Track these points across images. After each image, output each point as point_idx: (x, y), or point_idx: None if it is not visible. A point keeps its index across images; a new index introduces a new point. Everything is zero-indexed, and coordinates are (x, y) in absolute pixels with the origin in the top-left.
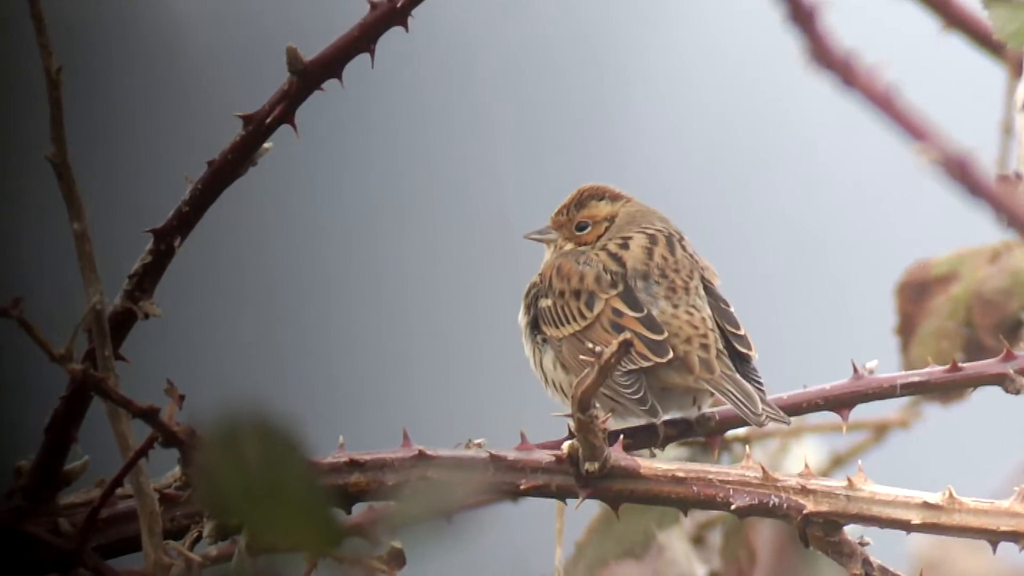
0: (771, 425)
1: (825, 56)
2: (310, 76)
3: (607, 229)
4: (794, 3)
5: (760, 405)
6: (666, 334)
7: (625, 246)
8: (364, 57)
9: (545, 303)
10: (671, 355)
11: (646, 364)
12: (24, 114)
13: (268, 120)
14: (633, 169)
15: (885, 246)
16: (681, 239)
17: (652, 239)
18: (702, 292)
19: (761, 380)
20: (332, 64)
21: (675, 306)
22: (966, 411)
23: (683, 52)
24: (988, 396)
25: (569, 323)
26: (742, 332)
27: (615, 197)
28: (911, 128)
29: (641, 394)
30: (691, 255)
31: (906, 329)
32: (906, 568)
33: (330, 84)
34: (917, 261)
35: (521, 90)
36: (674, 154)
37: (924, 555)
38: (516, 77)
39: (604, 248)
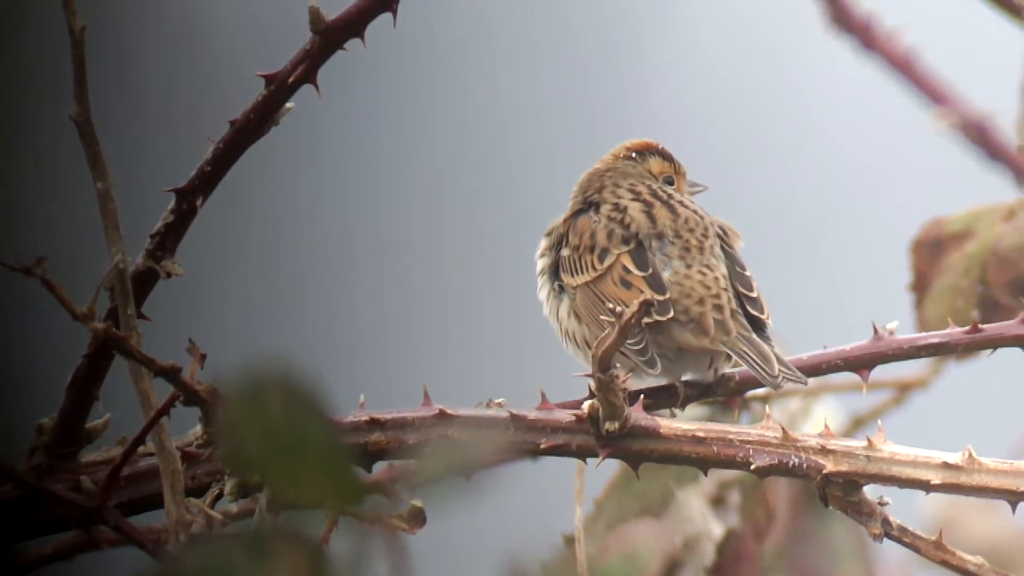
0: (789, 385)
1: (845, 19)
2: (332, 36)
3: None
4: None
5: (776, 366)
6: (668, 295)
7: (622, 210)
8: (387, 17)
9: (564, 252)
10: (672, 313)
11: (647, 320)
12: (48, 73)
13: (290, 80)
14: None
15: (905, 205)
16: (671, 196)
17: (645, 203)
18: (718, 251)
19: (773, 345)
20: (354, 24)
21: (688, 266)
22: (986, 371)
23: (700, 22)
24: (1008, 357)
25: (583, 272)
26: (755, 295)
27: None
28: (930, 91)
29: (642, 345)
30: (695, 211)
31: (920, 286)
32: (918, 526)
33: (353, 44)
34: (932, 219)
35: (538, 60)
36: (691, 118)
37: (938, 515)
38: (533, 53)
39: (603, 214)
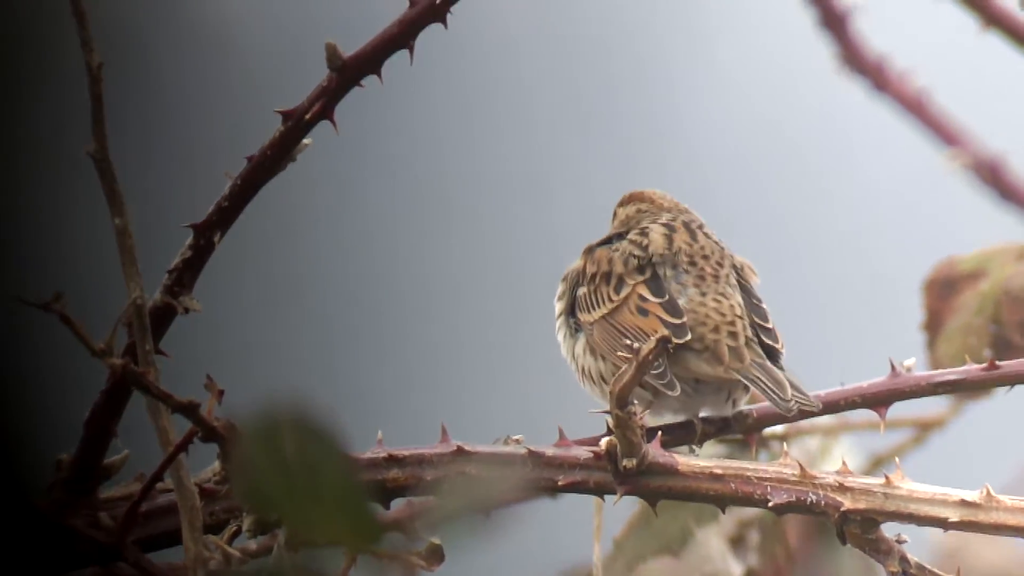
0: (807, 423)
1: (857, 61)
2: (349, 72)
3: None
4: (826, 8)
5: (790, 392)
6: (685, 318)
7: (644, 234)
8: (404, 54)
9: (581, 291)
10: (689, 336)
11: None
12: (66, 109)
13: (307, 116)
14: (675, 169)
15: (922, 244)
16: (701, 226)
17: (669, 227)
18: (733, 280)
19: (787, 373)
20: (371, 60)
21: (703, 294)
22: (1004, 409)
23: (726, 55)
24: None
25: (599, 307)
26: (770, 325)
27: (626, 201)
28: (943, 132)
29: (660, 369)
30: (716, 242)
31: (933, 326)
32: (928, 556)
33: (370, 81)
34: (944, 258)
35: (564, 90)
36: (715, 155)
37: (948, 543)
38: (559, 78)
39: (626, 239)
